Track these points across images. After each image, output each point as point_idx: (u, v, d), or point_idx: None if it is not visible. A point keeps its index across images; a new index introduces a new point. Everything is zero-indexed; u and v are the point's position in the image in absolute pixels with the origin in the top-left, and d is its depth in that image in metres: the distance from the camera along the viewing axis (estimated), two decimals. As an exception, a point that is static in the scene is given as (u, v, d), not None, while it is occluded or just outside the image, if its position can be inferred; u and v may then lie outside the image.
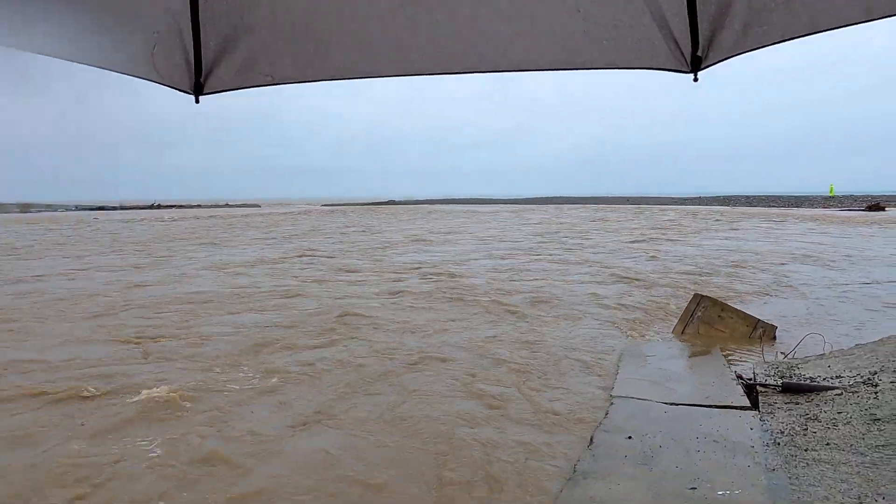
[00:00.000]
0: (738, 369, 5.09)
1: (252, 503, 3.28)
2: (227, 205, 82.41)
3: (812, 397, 4.08)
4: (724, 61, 1.98)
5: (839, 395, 4.03)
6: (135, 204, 79.65)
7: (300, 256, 15.81)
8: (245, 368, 5.64)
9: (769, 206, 48.78)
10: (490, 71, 2.10)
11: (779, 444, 3.42)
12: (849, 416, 3.64)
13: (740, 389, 4.42)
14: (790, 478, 2.99)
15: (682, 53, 2.00)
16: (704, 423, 3.78)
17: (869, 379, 4.18)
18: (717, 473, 3.10)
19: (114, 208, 67.32)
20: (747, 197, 62.50)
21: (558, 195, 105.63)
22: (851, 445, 3.24)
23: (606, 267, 12.79)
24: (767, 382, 4.45)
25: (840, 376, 4.43)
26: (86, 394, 4.90)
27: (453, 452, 3.74)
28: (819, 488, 2.84)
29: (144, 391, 4.92)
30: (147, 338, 6.77)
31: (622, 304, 8.61)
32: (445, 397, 4.78)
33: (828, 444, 3.32)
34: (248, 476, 3.55)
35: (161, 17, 2.10)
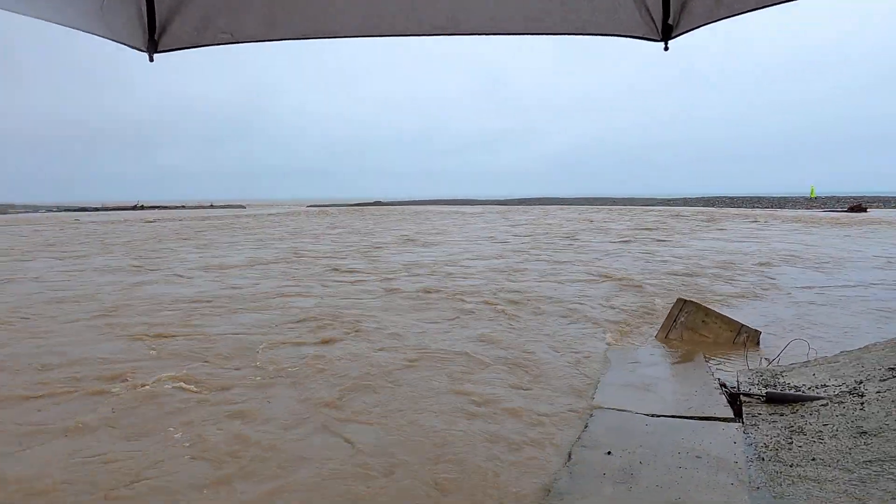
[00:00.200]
0: (722, 376, 4.98)
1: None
2: (211, 206, 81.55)
3: (797, 408, 3.96)
4: (696, 30, 1.91)
5: (824, 405, 3.91)
6: (117, 205, 78.62)
7: (294, 257, 15.72)
8: (256, 364, 5.80)
9: (753, 208, 49.09)
10: (458, 33, 2.02)
11: (763, 459, 3.28)
12: (835, 428, 3.52)
13: (724, 399, 4.30)
14: (775, 497, 2.86)
15: (654, 20, 1.95)
16: (687, 437, 3.64)
17: (855, 388, 4.07)
18: (699, 493, 2.96)
19: (95, 209, 66.38)
20: (731, 198, 62.90)
21: (544, 196, 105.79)
22: (838, 461, 3.12)
23: (593, 268, 12.70)
24: (751, 392, 4.32)
25: (825, 385, 4.32)
26: (112, 385, 5.16)
27: (423, 464, 3.57)
28: (805, 509, 2.71)
29: (163, 383, 5.17)
30: (157, 336, 6.91)
31: (608, 307, 8.50)
32: (425, 399, 4.62)
33: (813, 459, 3.19)
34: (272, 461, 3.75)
35: None
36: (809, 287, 9.86)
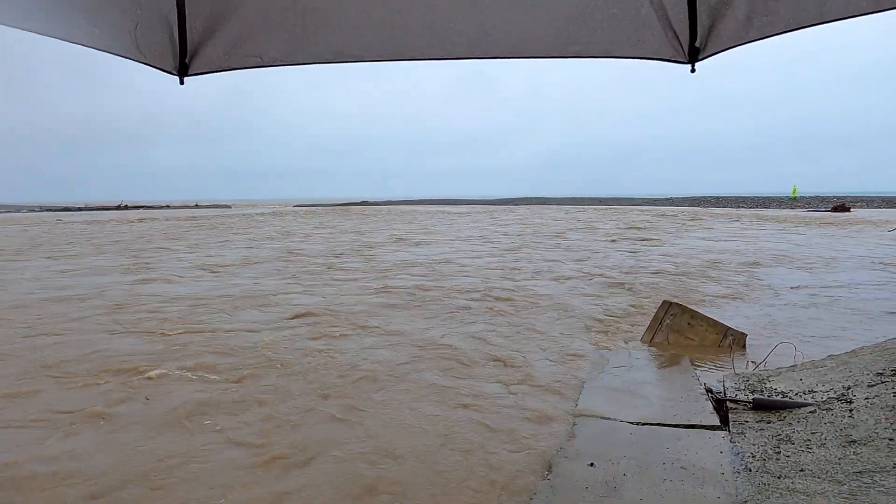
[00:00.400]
0: (708, 381, 4.88)
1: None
2: (196, 205, 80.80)
3: (784, 415, 3.86)
4: (723, 52, 1.89)
5: (812, 412, 3.81)
6: (101, 205, 77.67)
7: (289, 256, 15.62)
8: (266, 357, 5.97)
9: (738, 208, 49.42)
10: (483, 57, 2.01)
11: (750, 470, 3.17)
12: (823, 437, 3.41)
13: (710, 406, 4.19)
14: (763, 511, 2.75)
15: (680, 43, 1.94)
16: (672, 447, 3.53)
17: (843, 395, 3.98)
18: (684, 507, 2.84)
19: (79, 209, 65.52)
20: (716, 198, 63.32)
21: (530, 196, 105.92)
22: (827, 472, 3.01)
23: (581, 266, 12.61)
24: (738, 398, 4.22)
25: (813, 391, 4.22)
26: (135, 377, 5.36)
27: (403, 468, 3.42)
28: (794, 525, 2.60)
29: (184, 374, 5.43)
30: (169, 332, 7.04)
31: (594, 306, 8.40)
32: (409, 400, 4.48)
33: (802, 470, 3.08)
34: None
35: None
36: (796, 287, 9.82)
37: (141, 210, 63.91)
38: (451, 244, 19.16)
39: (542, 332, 7.01)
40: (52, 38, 1.84)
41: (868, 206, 44.95)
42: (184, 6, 2.03)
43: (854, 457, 3.10)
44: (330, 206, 74.61)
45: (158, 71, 2.11)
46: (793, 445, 3.39)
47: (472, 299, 9.15)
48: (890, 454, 3.03)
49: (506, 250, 16.97)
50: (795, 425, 3.66)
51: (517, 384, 5.10)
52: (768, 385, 4.53)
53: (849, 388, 4.11)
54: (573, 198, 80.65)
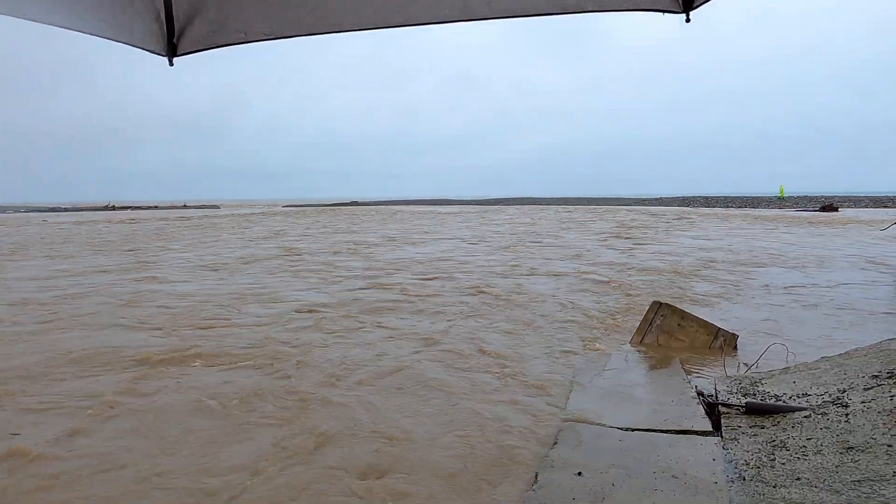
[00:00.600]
0: (699, 383, 4.75)
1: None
2: (185, 206, 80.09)
3: (778, 420, 3.73)
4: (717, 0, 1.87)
5: (807, 417, 3.68)
6: (88, 206, 76.86)
7: (288, 254, 15.55)
8: (282, 348, 6.18)
9: (727, 207, 49.54)
10: (478, 19, 1.97)
11: (744, 479, 3.03)
12: (819, 443, 3.28)
13: (701, 410, 4.05)
14: (758, 524, 2.61)
15: None
16: (663, 454, 3.38)
17: (838, 398, 3.85)
18: (676, 519, 2.70)
19: (66, 209, 64.82)
20: (706, 198, 63.49)
21: (520, 196, 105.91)
22: (824, 480, 2.87)
23: (574, 265, 12.48)
24: (730, 402, 4.08)
25: (807, 394, 4.09)
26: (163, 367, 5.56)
27: (380, 476, 3.25)
28: (792, 540, 2.46)
29: (206, 362, 5.70)
30: (185, 326, 7.23)
31: (585, 306, 8.28)
32: (392, 397, 4.38)
33: (798, 478, 2.94)
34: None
35: None
36: (788, 287, 9.73)
37: (129, 211, 63.27)
38: (446, 243, 19.07)
39: (534, 331, 6.87)
40: (41, 24, 1.87)
41: (855, 206, 45.19)
42: None
43: (852, 464, 2.97)
44: (320, 207, 74.13)
45: (149, 53, 2.17)
46: (788, 452, 3.26)
47: (469, 295, 9.27)
48: (889, 462, 2.89)
49: (500, 248, 16.96)
50: (790, 430, 3.53)
51: (503, 389, 4.94)
52: (761, 388, 4.40)
53: (844, 391, 3.99)
54: (563, 198, 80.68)
